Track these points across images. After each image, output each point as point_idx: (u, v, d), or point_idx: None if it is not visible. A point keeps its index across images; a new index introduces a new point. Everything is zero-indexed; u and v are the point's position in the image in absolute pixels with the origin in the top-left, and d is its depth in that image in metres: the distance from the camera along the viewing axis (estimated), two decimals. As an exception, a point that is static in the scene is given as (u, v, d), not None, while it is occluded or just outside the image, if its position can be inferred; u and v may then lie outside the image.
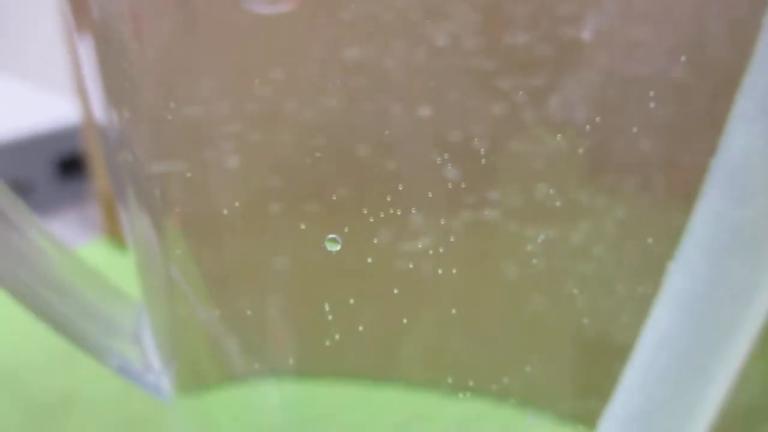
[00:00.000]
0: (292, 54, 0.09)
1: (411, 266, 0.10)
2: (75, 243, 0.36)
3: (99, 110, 0.12)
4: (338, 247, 0.10)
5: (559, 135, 0.09)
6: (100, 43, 0.11)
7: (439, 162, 0.09)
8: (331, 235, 0.10)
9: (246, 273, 0.11)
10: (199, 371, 0.12)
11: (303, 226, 0.10)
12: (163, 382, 0.12)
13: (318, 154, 0.10)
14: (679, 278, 0.08)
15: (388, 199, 0.10)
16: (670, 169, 0.10)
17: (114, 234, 0.31)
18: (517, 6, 0.08)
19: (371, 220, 0.10)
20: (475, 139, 0.09)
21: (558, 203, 0.09)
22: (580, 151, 0.09)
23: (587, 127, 0.09)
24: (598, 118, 0.09)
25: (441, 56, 0.09)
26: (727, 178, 0.07)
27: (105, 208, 0.31)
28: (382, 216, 0.10)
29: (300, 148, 0.10)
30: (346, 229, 0.10)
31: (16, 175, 0.68)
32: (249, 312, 0.11)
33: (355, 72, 0.09)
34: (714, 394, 0.08)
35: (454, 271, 0.10)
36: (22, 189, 0.68)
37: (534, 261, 0.10)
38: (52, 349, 0.22)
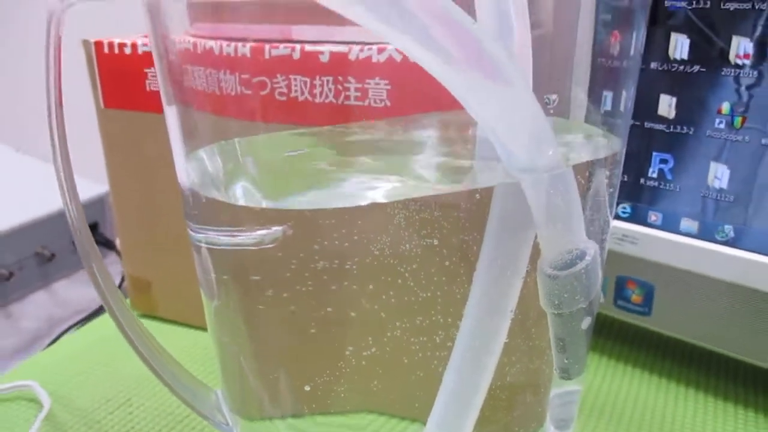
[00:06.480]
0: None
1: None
2: (95, 298, 0.41)
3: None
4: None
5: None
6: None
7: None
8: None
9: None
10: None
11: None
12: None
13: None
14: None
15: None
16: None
17: (139, 307, 0.37)
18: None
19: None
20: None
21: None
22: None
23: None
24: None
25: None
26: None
27: (134, 287, 0.37)
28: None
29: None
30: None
31: (41, 245, 0.74)
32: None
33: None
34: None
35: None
36: (47, 257, 0.74)
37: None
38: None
